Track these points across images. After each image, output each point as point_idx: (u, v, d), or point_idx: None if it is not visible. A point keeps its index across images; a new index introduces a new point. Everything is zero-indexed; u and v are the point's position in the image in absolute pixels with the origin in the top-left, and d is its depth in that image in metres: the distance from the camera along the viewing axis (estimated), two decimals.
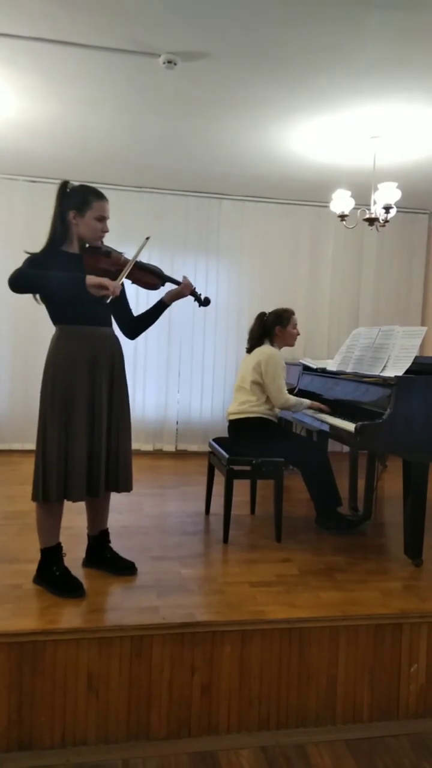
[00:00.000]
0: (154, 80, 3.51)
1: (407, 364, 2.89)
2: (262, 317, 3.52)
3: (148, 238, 2.45)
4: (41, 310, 2.41)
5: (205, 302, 2.66)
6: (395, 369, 2.93)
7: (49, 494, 2.31)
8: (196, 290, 2.64)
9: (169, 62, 3.23)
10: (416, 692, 2.34)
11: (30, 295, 2.33)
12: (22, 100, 3.85)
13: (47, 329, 2.45)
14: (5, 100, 3.84)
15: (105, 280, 2.22)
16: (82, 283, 2.19)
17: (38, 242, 2.39)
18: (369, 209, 4.43)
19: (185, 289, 2.54)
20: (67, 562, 2.48)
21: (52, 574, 2.42)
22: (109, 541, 2.69)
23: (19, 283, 2.20)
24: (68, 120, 4.14)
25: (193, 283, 2.60)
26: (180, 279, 2.59)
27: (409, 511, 2.86)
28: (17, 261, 2.32)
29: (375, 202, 4.37)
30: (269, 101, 3.74)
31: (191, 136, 4.38)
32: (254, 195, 5.83)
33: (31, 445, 5.45)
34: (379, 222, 4.36)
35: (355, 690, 2.30)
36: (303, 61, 3.24)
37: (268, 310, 3.58)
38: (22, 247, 2.39)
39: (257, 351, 3.42)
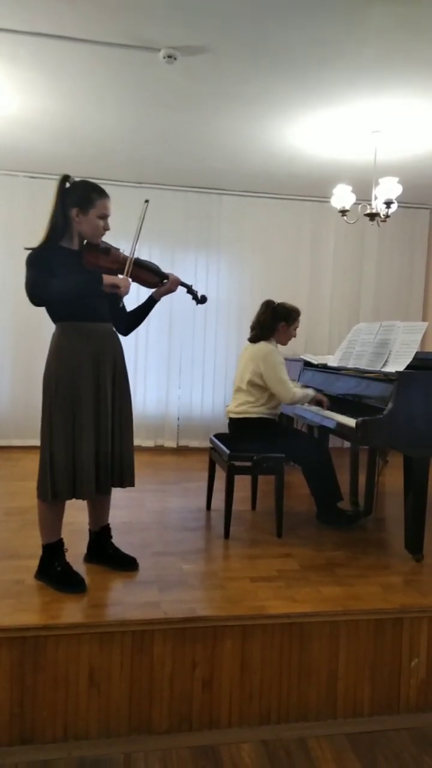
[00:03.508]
0: (154, 75, 3.49)
1: (408, 360, 2.89)
2: (272, 306, 3.40)
3: (147, 201, 2.43)
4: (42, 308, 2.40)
5: (201, 300, 2.68)
6: (396, 364, 2.93)
7: (59, 494, 2.32)
8: (193, 288, 2.66)
9: (169, 57, 3.22)
10: (416, 686, 2.35)
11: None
12: (22, 96, 3.84)
13: (47, 325, 2.45)
14: (5, 95, 3.83)
15: (117, 279, 2.26)
16: (100, 284, 2.23)
17: (38, 238, 2.37)
18: (370, 204, 4.42)
19: (172, 285, 2.55)
20: (69, 557, 2.49)
21: (53, 569, 2.43)
22: (111, 537, 2.70)
23: (39, 297, 2.23)
24: (68, 115, 4.13)
25: (183, 279, 2.60)
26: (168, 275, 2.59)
27: (409, 506, 2.87)
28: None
29: (376, 197, 4.36)
30: (270, 96, 3.73)
31: (191, 131, 4.37)
32: (255, 190, 5.81)
33: (33, 441, 5.50)
34: (380, 217, 4.35)
35: (355, 684, 2.31)
36: (303, 56, 3.22)
37: None
38: (23, 243, 2.39)
39: (254, 349, 3.35)
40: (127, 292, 2.27)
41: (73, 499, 2.44)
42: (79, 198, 2.34)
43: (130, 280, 2.32)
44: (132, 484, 2.51)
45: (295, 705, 2.26)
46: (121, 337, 2.56)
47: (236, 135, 4.40)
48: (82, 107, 3.99)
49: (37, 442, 5.93)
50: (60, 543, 2.47)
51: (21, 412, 5.58)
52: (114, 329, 2.52)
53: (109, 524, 2.69)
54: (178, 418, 5.94)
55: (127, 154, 4.91)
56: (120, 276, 2.32)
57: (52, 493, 2.32)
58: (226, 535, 3.13)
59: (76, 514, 2.79)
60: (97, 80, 3.60)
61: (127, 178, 5.45)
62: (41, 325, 5.25)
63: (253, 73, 3.45)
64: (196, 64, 3.36)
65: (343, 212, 4.49)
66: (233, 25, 2.96)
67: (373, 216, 4.37)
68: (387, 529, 3.51)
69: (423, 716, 2.32)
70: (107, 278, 2.25)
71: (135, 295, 2.59)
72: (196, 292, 2.67)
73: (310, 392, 3.33)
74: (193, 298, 2.67)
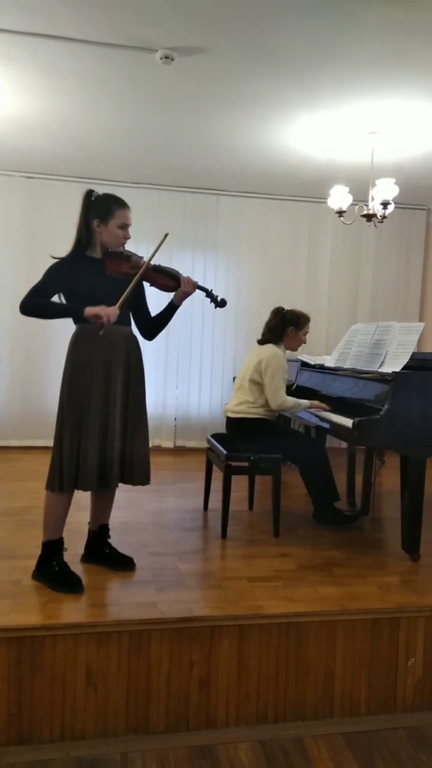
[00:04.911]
0: (152, 76, 3.50)
1: (405, 360, 2.90)
2: (281, 312, 3.45)
3: (166, 235, 2.50)
4: None
5: (221, 303, 2.71)
6: (393, 365, 2.94)
7: (64, 484, 2.39)
8: (213, 291, 2.69)
9: (167, 57, 3.23)
10: (413, 686, 2.36)
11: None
12: (19, 96, 3.84)
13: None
14: (2, 96, 3.83)
15: (99, 310, 2.31)
16: (80, 313, 2.32)
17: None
18: (367, 205, 4.43)
19: (188, 288, 2.57)
20: (66, 557, 2.49)
21: (51, 568, 2.44)
22: (109, 537, 2.70)
23: (27, 312, 2.40)
24: (65, 116, 4.13)
25: (196, 281, 2.61)
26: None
27: (406, 506, 2.87)
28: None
29: (373, 198, 4.37)
30: (267, 96, 3.74)
31: (189, 132, 4.38)
32: (252, 191, 5.82)
33: (31, 441, 5.55)
34: (377, 218, 4.36)
35: (352, 684, 2.31)
36: (301, 57, 3.23)
37: (267, 306, 3.55)
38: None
39: (261, 349, 3.39)
40: (110, 322, 2.31)
41: (74, 500, 2.47)
42: (99, 210, 2.46)
43: (117, 310, 2.34)
44: (143, 483, 2.54)
45: (292, 704, 2.26)
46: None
47: (233, 136, 4.40)
48: (79, 108, 3.99)
49: (35, 442, 5.97)
50: (60, 542, 2.49)
51: (18, 413, 5.58)
52: (132, 333, 2.57)
53: (108, 524, 2.70)
54: (175, 419, 5.94)
55: (124, 155, 4.91)
56: (105, 306, 2.33)
57: (60, 483, 2.39)
58: (224, 535, 3.14)
59: (74, 515, 2.78)
60: (94, 81, 3.61)
61: (124, 178, 5.46)
62: (40, 327, 5.28)
63: (250, 74, 3.46)
64: (193, 65, 3.36)
65: (340, 213, 4.50)
66: (231, 26, 2.97)
67: (370, 217, 4.38)
68: (384, 529, 3.51)
69: (420, 715, 2.33)
70: (89, 310, 2.30)
71: (156, 301, 2.64)
72: (216, 295, 2.70)
73: (304, 403, 3.31)
74: (212, 301, 2.70)
